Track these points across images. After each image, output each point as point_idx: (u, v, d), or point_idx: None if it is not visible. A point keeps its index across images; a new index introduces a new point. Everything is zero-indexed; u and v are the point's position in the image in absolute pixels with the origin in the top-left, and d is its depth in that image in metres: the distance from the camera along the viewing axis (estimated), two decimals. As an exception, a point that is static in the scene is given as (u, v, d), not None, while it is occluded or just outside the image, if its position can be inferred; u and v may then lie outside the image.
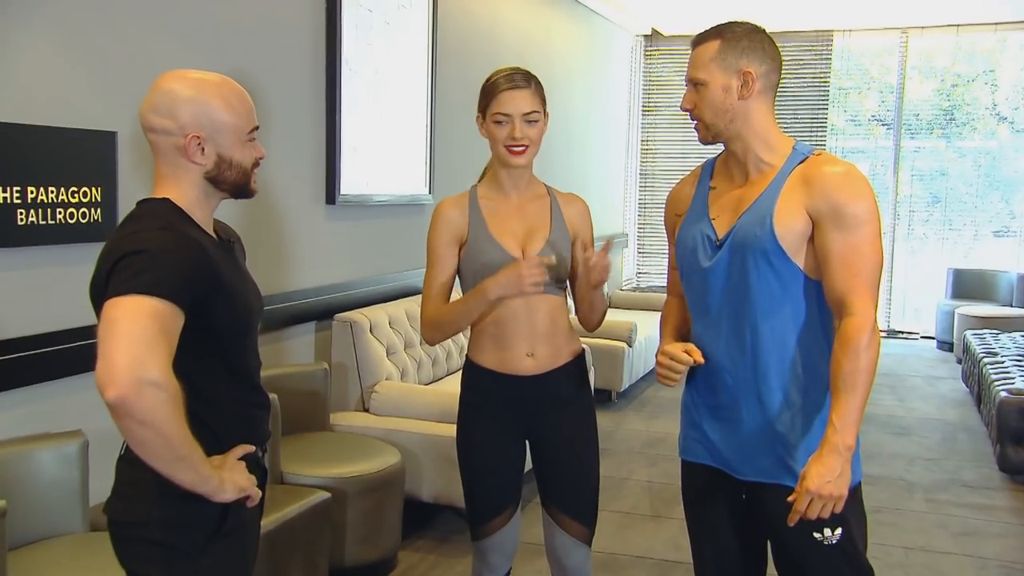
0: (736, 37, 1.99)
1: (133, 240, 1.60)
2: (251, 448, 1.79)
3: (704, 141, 2.08)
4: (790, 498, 1.90)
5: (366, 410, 4.16)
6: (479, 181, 2.59)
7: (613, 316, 6.97)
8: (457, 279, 2.55)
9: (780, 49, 2.05)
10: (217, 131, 1.73)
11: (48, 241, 2.77)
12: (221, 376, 1.77)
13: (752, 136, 2.02)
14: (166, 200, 1.73)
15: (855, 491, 1.98)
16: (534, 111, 2.44)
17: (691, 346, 2.11)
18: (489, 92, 2.43)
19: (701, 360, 2.09)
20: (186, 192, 1.75)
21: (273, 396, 3.30)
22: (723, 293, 2.03)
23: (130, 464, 1.70)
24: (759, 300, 1.98)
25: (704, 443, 2.15)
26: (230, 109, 1.74)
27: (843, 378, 1.88)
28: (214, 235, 1.81)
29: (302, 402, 3.79)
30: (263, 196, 3.81)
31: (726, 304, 2.03)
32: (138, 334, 1.48)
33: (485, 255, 2.44)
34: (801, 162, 1.99)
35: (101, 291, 1.58)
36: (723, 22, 2.05)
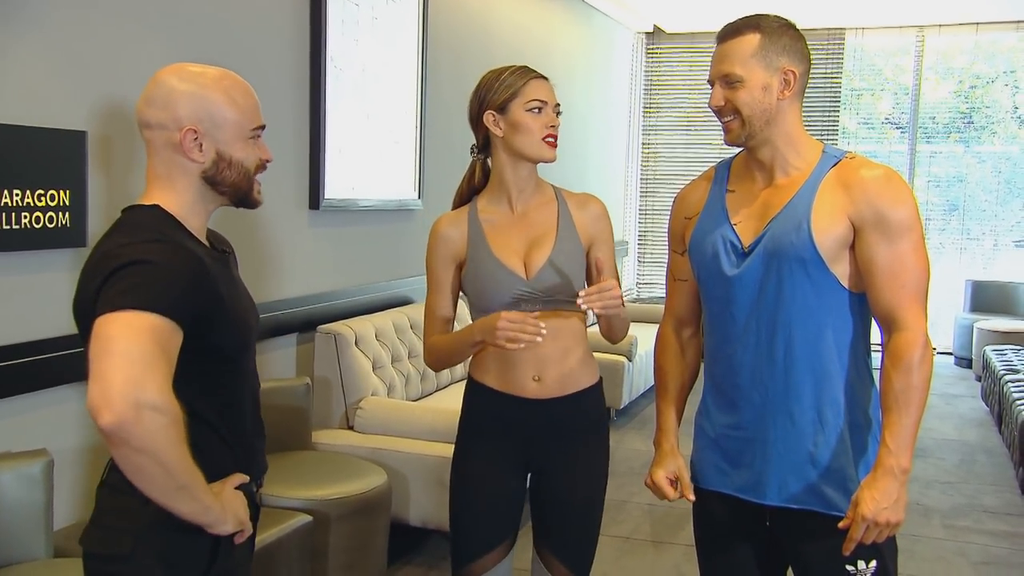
0: (777, 32, 1.96)
1: (125, 252, 1.55)
2: (246, 478, 1.75)
3: (734, 143, 2.03)
4: (842, 524, 1.89)
5: (350, 428, 4.14)
6: (475, 198, 2.47)
7: (613, 329, 6.95)
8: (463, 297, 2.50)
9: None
10: (217, 126, 1.69)
11: (13, 247, 2.75)
12: (221, 400, 1.73)
13: (782, 139, 1.99)
14: (156, 207, 1.69)
15: None
16: (559, 103, 2.41)
17: (684, 479, 2.14)
18: (513, 83, 2.35)
19: (692, 499, 2.14)
20: (180, 196, 1.71)
21: (251, 413, 3.29)
22: (753, 304, 1.99)
23: (113, 491, 1.66)
24: (794, 312, 1.95)
25: (722, 468, 2.11)
26: (232, 103, 1.71)
27: (895, 396, 1.87)
28: (208, 245, 1.77)
29: (282, 419, 3.77)
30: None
31: (755, 316, 1.99)
32: (135, 353, 1.42)
33: (486, 274, 2.37)
34: (834, 165, 1.97)
35: (89, 308, 1.52)
36: (754, 14, 2.00)
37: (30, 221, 2.77)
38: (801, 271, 1.93)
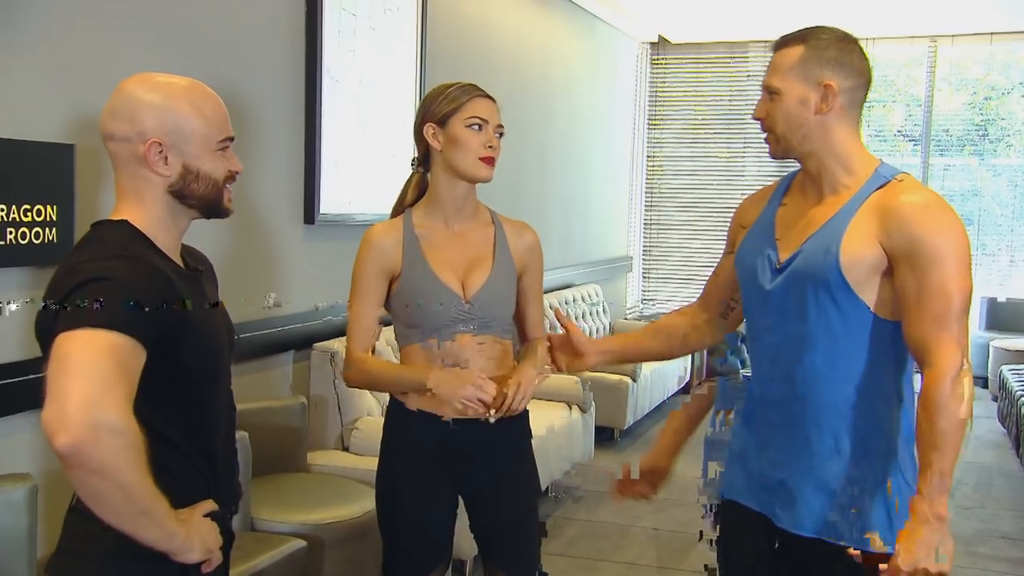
0: (822, 45, 1.96)
1: (87, 268, 1.54)
2: (216, 506, 1.72)
3: (774, 156, 2.06)
4: None
5: (346, 449, 4.12)
6: (408, 206, 2.54)
7: (617, 347, 6.93)
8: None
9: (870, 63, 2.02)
10: (183, 138, 1.68)
11: (1, 264, 2.74)
12: (190, 423, 1.71)
13: (829, 155, 1.99)
14: (124, 223, 1.68)
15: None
16: (502, 126, 2.46)
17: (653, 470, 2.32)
18: (457, 97, 2.42)
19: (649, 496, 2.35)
20: (149, 210, 1.70)
21: (244, 434, 3.26)
22: (779, 322, 2.01)
23: (82, 517, 1.64)
24: (816, 335, 1.95)
25: (745, 480, 2.13)
26: (199, 114, 1.70)
27: (925, 440, 1.82)
28: (180, 262, 1.76)
29: (277, 440, 3.75)
30: (235, 215, 3.78)
31: (780, 334, 2.01)
32: (93, 372, 1.41)
33: (423, 290, 2.42)
34: (881, 186, 1.95)
35: (50, 325, 1.51)
36: (811, 26, 2.02)
37: (16, 237, 2.77)
38: (826, 294, 1.92)
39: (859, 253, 1.90)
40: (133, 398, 1.47)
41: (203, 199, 1.74)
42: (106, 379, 1.42)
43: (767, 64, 2.04)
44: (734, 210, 2.29)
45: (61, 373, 1.42)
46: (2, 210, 2.72)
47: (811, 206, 2.03)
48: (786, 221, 2.07)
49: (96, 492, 1.44)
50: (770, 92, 1.99)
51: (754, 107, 2.07)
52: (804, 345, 1.96)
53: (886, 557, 1.82)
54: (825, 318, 1.93)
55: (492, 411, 2.35)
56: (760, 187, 2.28)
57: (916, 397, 1.89)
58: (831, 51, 1.96)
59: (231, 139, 1.77)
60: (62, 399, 1.39)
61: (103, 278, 1.52)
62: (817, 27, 2.01)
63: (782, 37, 2.02)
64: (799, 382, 1.98)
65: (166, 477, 1.55)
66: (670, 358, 2.52)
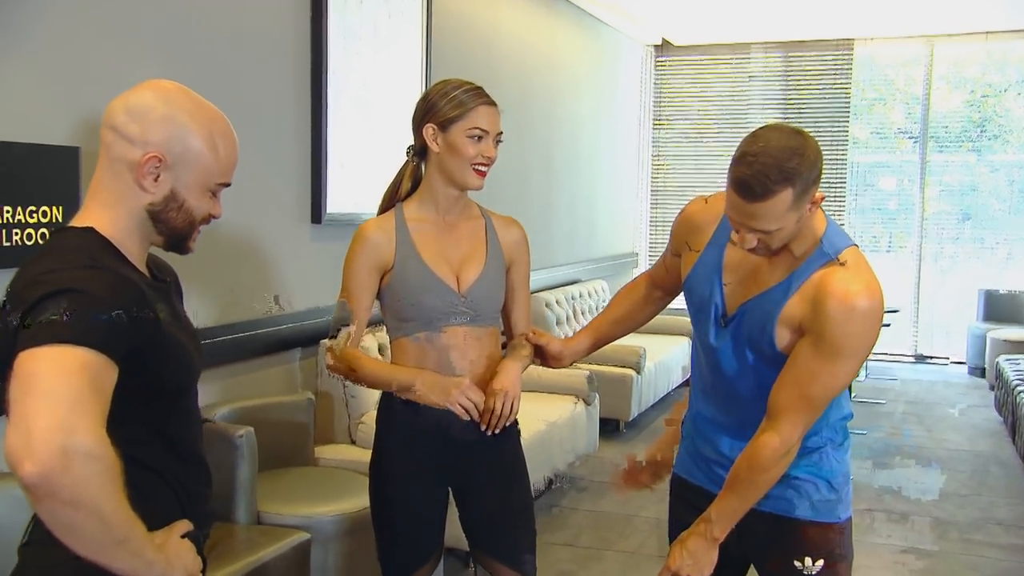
0: (803, 171, 1.81)
1: (52, 279, 1.38)
2: (191, 525, 1.59)
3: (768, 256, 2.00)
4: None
5: (353, 442, 4.09)
6: (402, 198, 2.48)
7: (620, 340, 6.89)
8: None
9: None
10: (184, 164, 1.55)
11: (4, 265, 2.70)
12: (161, 443, 1.59)
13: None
14: (90, 230, 1.53)
15: (843, 526, 2.10)
16: (501, 133, 2.40)
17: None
18: (462, 102, 2.32)
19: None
20: (120, 218, 1.55)
21: (250, 429, 3.23)
22: (728, 372, 2.09)
23: (41, 549, 1.48)
24: (754, 386, 2.03)
25: (691, 457, 2.24)
26: (211, 149, 1.57)
27: (739, 482, 1.99)
28: (147, 273, 1.63)
29: (284, 435, 3.73)
30: (243, 214, 3.75)
31: (723, 378, 2.11)
32: (63, 393, 1.26)
33: (417, 283, 2.37)
34: (823, 265, 1.92)
35: (9, 343, 1.35)
36: (774, 160, 1.79)
37: (22, 238, 2.74)
38: (762, 358, 2.01)
39: (788, 336, 1.96)
40: (105, 418, 1.32)
41: (174, 230, 1.60)
42: (77, 399, 1.27)
43: (744, 208, 1.84)
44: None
45: (26, 394, 1.26)
46: (8, 212, 2.70)
47: (758, 256, 1.99)
48: (733, 264, 2.06)
49: (69, 524, 1.28)
50: (766, 232, 1.88)
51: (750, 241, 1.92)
52: (740, 374, 2.07)
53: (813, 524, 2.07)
54: (764, 373, 2.01)
55: (485, 427, 2.32)
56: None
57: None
58: (813, 172, 1.83)
59: (227, 185, 1.65)
60: (28, 423, 1.24)
61: (72, 290, 1.37)
62: (789, 156, 1.80)
63: (759, 184, 1.79)
64: (736, 418, 2.09)
65: (139, 499, 1.38)
66: (635, 330, 2.63)
